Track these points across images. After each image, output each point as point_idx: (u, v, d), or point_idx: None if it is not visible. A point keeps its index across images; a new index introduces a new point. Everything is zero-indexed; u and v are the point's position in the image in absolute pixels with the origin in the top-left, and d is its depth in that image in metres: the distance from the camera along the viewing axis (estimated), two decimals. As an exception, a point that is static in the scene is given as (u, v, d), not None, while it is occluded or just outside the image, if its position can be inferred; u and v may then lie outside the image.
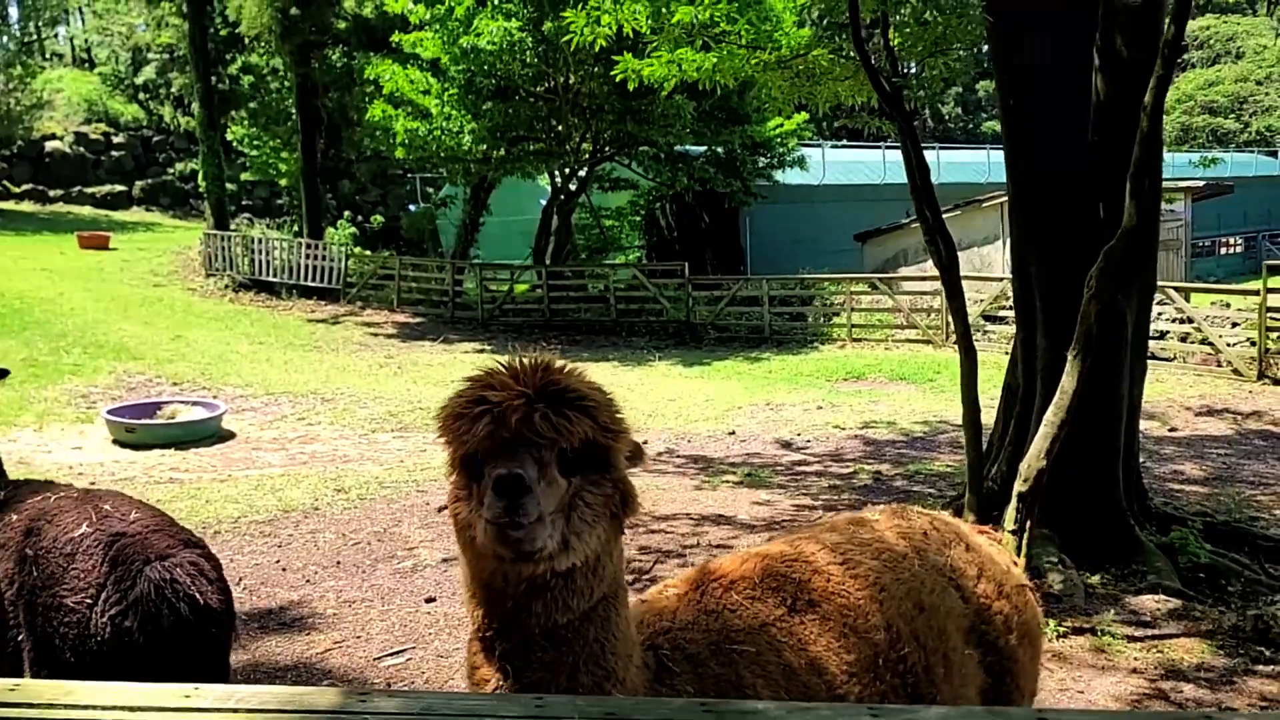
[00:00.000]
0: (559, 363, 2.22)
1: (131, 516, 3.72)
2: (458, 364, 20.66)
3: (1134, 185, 6.06)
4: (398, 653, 6.33)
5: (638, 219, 28.91)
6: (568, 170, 25.41)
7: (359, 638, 6.60)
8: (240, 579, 7.76)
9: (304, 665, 6.19)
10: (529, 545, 1.99)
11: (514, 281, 26.44)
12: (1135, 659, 5.86)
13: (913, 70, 9.05)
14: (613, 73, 10.22)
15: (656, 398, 16.52)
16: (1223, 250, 40.25)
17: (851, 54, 8.37)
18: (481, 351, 22.13)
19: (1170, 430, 13.31)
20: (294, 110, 29.67)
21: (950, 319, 21.01)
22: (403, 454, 12.88)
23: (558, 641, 2.12)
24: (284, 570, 7.98)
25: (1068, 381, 6.25)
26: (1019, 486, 6.33)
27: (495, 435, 2.06)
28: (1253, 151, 52.20)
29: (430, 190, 35.17)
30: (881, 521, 3.15)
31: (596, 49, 9.49)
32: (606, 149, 24.98)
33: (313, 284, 27.17)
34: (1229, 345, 16.29)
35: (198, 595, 3.47)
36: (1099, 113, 7.38)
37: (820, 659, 2.60)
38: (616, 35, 9.33)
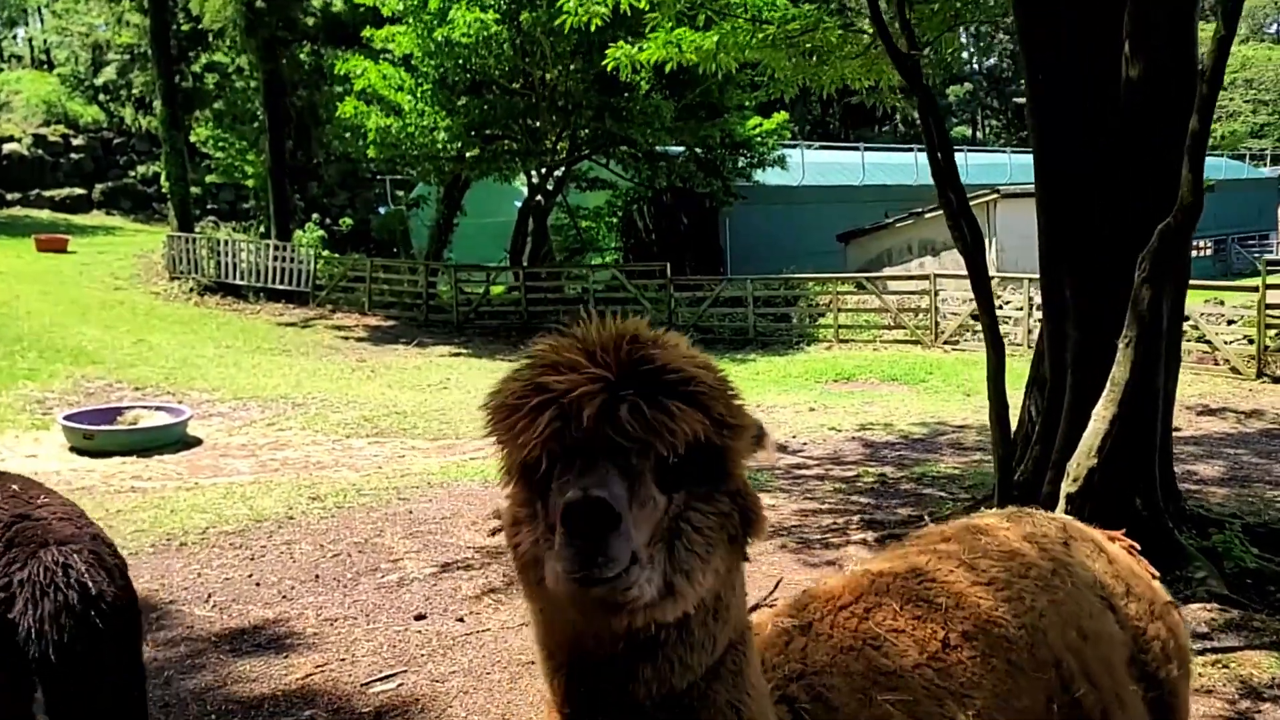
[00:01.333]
0: (649, 330, 1.63)
1: (39, 501, 3.48)
2: (433, 367, 20.01)
3: (1192, 156, 5.59)
4: (387, 677, 5.72)
5: (615, 220, 28.35)
6: (544, 170, 24.81)
7: (343, 660, 5.97)
8: (209, 595, 7.12)
9: (283, 692, 5.55)
10: (620, 598, 1.44)
11: (490, 283, 25.78)
12: (1201, 675, 5.35)
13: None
14: (605, 62, 9.65)
15: (642, 400, 15.95)
16: (1193, 253, 40.33)
17: (864, 28, 7.88)
18: (457, 355, 21.47)
19: (1174, 430, 12.90)
20: (260, 110, 28.84)
21: (939, 319, 20.74)
22: (379, 460, 12.24)
23: (680, 713, 1.57)
24: (257, 585, 7.33)
25: (1119, 372, 5.75)
26: (1067, 487, 5.82)
27: (564, 437, 1.48)
28: (1221, 155, 52.60)
29: (400, 193, 34.41)
30: (1010, 529, 2.61)
31: (593, 29, 8.91)
32: (584, 148, 24.42)
33: (281, 287, 26.35)
34: (1226, 343, 15.99)
35: (90, 584, 3.20)
36: (1129, 89, 6.93)
37: (989, 708, 2.06)
38: (613, 13, 8.77)
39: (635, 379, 1.50)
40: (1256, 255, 33.44)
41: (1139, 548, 2.94)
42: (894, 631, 2.06)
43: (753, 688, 1.67)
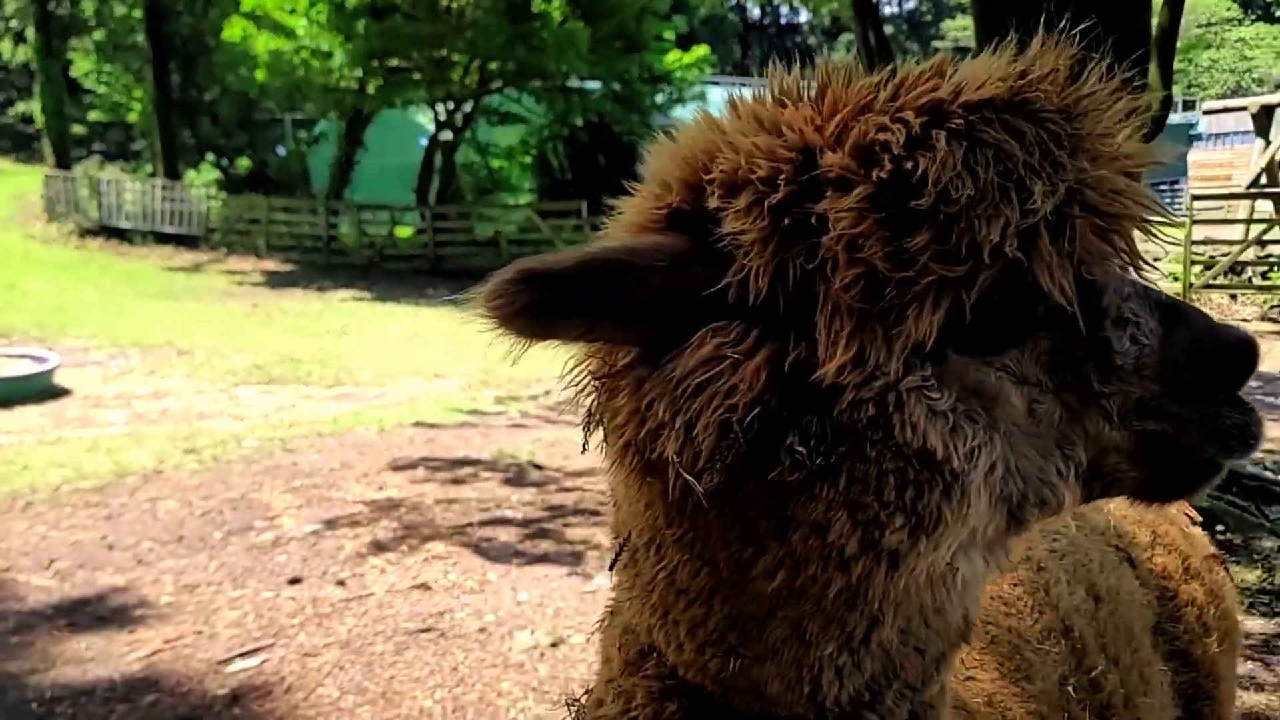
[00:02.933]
0: None
1: None
2: (333, 312, 18.92)
3: (1161, 54, 4.99)
4: (250, 652, 4.93)
5: (528, 159, 27.25)
6: (452, 103, 23.55)
7: (200, 633, 5.17)
8: (51, 561, 6.23)
9: (123, 673, 4.73)
10: None
11: (395, 224, 24.54)
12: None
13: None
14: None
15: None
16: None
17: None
18: (360, 300, 20.38)
19: (1101, 368, 12.68)
20: (143, 39, 26.84)
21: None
22: (268, 409, 11.27)
23: None
24: (110, 548, 6.47)
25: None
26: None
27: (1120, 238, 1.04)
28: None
29: (302, 133, 32.64)
30: None
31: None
32: (494, 80, 23.21)
33: (170, 229, 24.73)
34: (1152, 280, 15.80)
35: None
36: None
37: (998, 696, 1.54)
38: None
39: None
40: (1168, 201, 33.85)
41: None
42: None
43: None
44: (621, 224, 1.11)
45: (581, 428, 1.14)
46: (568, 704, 1.45)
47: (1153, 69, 5.01)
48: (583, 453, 1.16)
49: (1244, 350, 1.07)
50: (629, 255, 1.00)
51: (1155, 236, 1.11)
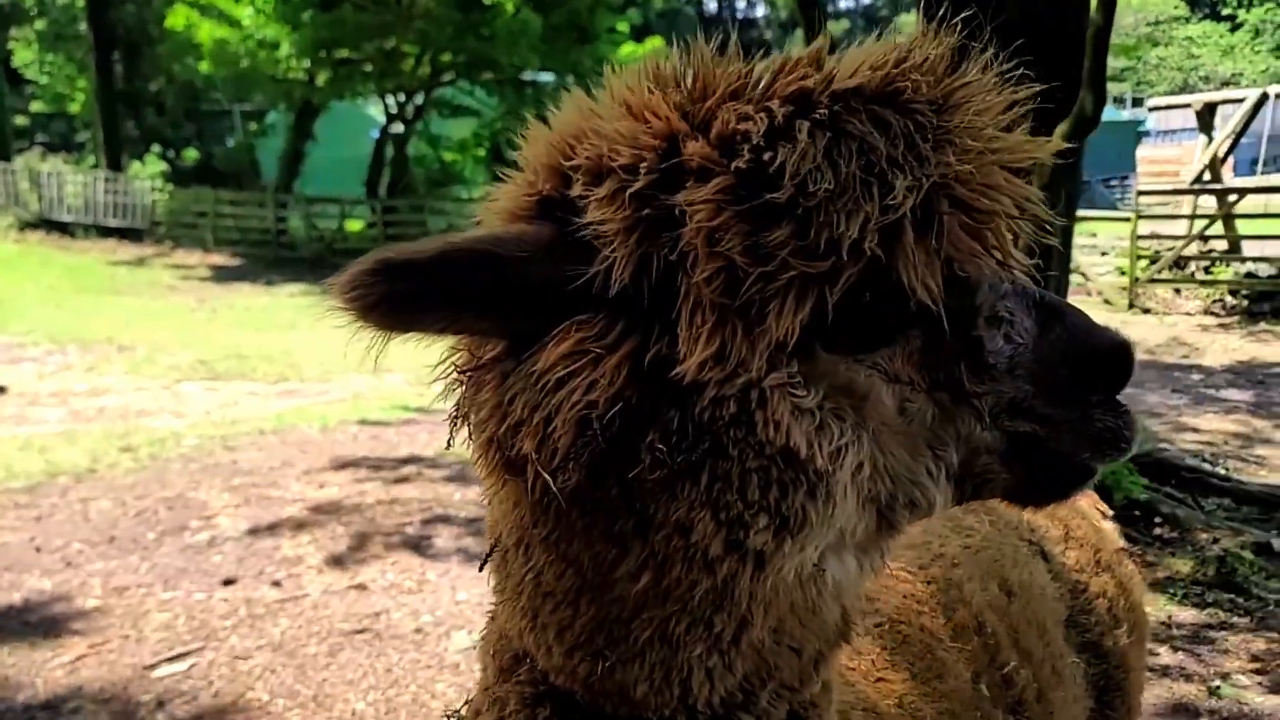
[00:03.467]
0: None
1: None
2: (281, 308, 18.62)
3: (1095, 50, 5.02)
4: (178, 656, 4.81)
5: (482, 152, 27.04)
6: (403, 94, 23.27)
7: (127, 638, 5.03)
8: (-25, 565, 6.02)
9: (45, 681, 4.60)
10: None
11: (345, 218, 24.23)
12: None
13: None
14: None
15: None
16: (1056, 195, 41.34)
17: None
18: (308, 295, 20.06)
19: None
20: (86, 27, 26.24)
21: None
22: (211, 407, 11.06)
23: None
24: (38, 550, 6.29)
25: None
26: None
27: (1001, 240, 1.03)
28: (1080, 100, 53.80)
29: (251, 125, 32.12)
30: None
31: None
32: (446, 72, 22.98)
33: (114, 223, 24.22)
34: (1099, 275, 16.09)
35: None
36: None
37: (909, 698, 1.52)
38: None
39: None
40: (1118, 197, 34.40)
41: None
42: None
43: None
44: (494, 212, 1.07)
45: (448, 422, 1.09)
46: (447, 716, 1.42)
47: (1086, 63, 5.05)
48: (448, 449, 1.12)
49: (1119, 354, 1.05)
50: (492, 245, 0.96)
51: (1042, 233, 1.07)
